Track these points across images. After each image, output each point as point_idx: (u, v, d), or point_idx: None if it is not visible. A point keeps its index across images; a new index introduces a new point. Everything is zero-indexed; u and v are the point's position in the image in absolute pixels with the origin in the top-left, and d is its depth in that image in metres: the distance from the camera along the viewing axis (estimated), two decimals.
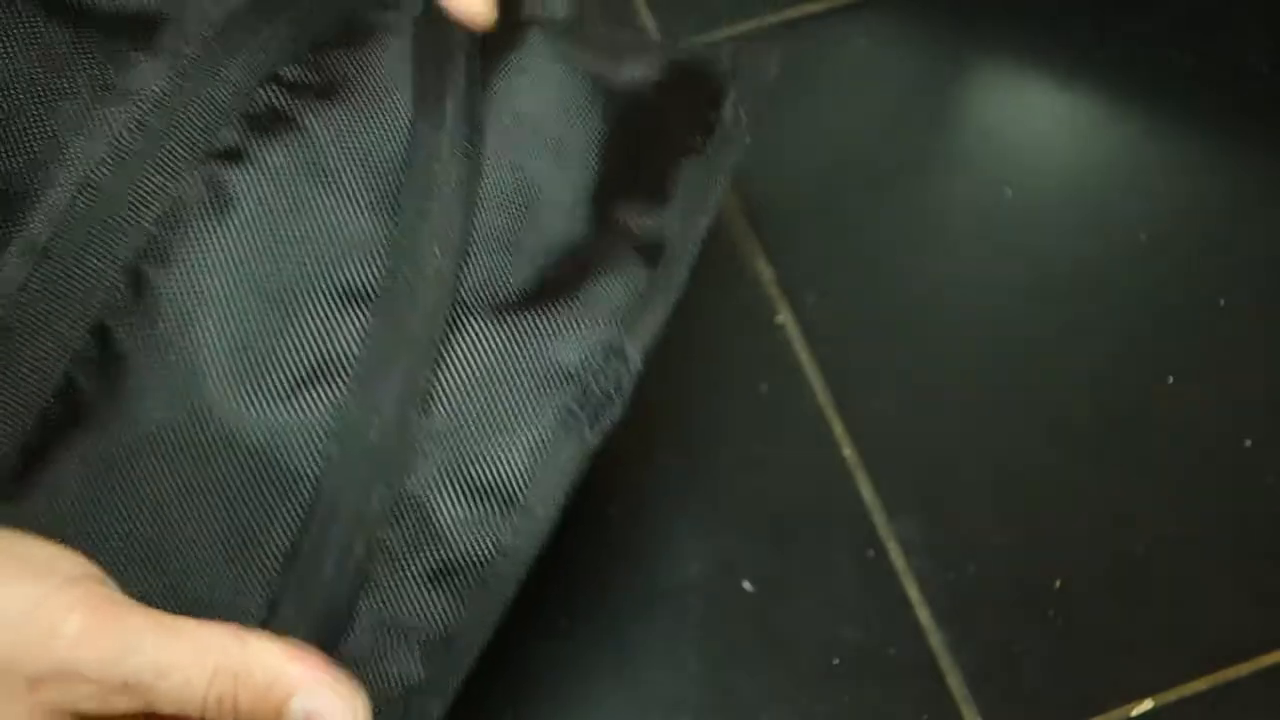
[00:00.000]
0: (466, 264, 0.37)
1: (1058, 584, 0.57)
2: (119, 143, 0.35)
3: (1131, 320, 0.63)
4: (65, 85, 0.35)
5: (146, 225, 0.35)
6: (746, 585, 0.57)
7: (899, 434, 0.60)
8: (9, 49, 0.35)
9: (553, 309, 0.37)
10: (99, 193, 0.35)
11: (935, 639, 0.56)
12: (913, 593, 0.57)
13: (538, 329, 0.37)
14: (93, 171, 0.35)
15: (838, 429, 0.60)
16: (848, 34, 0.68)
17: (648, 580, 0.56)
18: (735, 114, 0.42)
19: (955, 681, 0.55)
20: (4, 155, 0.35)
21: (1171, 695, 0.56)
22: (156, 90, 0.35)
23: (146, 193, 0.35)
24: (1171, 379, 0.62)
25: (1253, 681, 0.56)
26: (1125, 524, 0.59)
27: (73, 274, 0.35)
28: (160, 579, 0.36)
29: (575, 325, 0.37)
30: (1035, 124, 0.67)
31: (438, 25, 0.39)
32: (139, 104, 0.35)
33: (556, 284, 0.38)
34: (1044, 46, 0.69)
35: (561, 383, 0.37)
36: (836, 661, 0.56)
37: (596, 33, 0.42)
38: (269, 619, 0.35)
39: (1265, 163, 0.67)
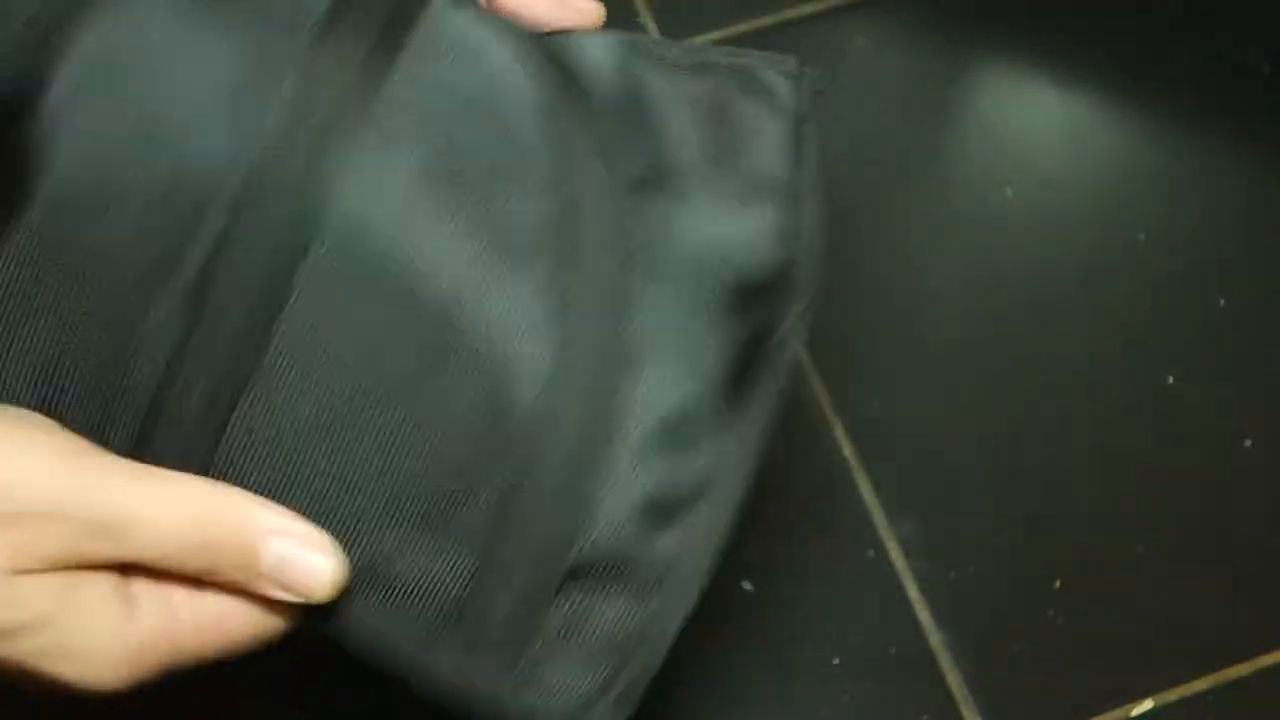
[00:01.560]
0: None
1: (1058, 584, 0.57)
2: (265, 126, 0.34)
3: (1131, 320, 0.63)
4: (222, 74, 0.34)
5: (302, 205, 0.34)
6: (746, 585, 0.57)
7: (899, 434, 0.60)
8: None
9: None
10: (260, 176, 0.34)
11: (935, 639, 0.56)
12: (913, 593, 0.57)
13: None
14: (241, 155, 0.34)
15: (838, 429, 0.60)
16: (848, 34, 0.68)
17: None
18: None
19: (955, 681, 0.55)
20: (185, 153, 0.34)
21: (1171, 695, 0.56)
22: (296, 66, 0.35)
23: (295, 175, 0.34)
24: (1171, 379, 0.61)
25: (1253, 681, 0.56)
26: (1125, 524, 0.59)
27: (252, 256, 0.34)
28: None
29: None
30: (1035, 124, 0.67)
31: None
32: (282, 83, 0.34)
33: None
34: (1044, 46, 0.69)
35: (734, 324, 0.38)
36: (836, 661, 0.56)
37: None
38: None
39: (1265, 162, 0.67)
